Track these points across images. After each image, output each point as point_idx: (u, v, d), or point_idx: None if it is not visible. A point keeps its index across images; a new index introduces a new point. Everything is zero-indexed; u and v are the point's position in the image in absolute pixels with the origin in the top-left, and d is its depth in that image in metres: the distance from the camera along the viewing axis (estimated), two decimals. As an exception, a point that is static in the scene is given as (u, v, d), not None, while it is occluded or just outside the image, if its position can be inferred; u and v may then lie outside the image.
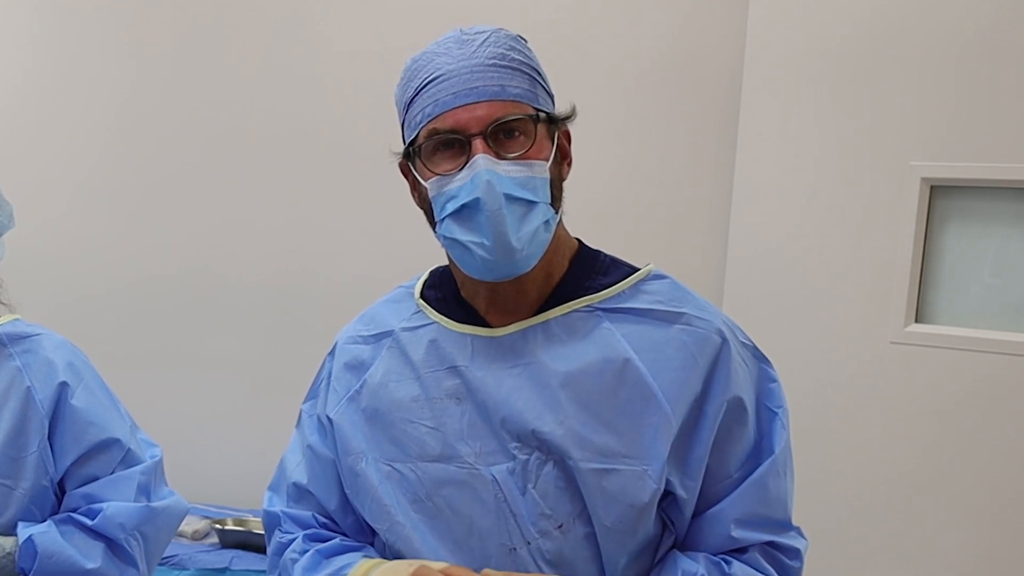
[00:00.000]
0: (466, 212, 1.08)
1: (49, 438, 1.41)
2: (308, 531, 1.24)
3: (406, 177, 1.20)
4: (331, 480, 1.24)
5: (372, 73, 2.83)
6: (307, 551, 1.21)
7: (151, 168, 3.18)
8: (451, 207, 1.09)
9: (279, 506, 1.28)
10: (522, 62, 1.13)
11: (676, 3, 2.66)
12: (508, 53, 1.11)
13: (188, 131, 3.14)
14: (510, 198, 1.07)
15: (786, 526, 1.17)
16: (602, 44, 2.72)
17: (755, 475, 1.14)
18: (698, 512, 1.15)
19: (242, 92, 3.08)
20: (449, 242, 1.12)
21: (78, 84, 3.23)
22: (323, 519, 1.25)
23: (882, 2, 2.27)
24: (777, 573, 1.15)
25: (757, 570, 1.13)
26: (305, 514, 1.25)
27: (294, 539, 1.23)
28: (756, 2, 2.40)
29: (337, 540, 1.22)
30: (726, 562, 1.13)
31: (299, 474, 1.27)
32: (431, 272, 1.29)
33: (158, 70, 3.16)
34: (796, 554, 1.17)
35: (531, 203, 1.09)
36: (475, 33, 1.13)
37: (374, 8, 2.94)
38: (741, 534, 1.13)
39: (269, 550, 1.28)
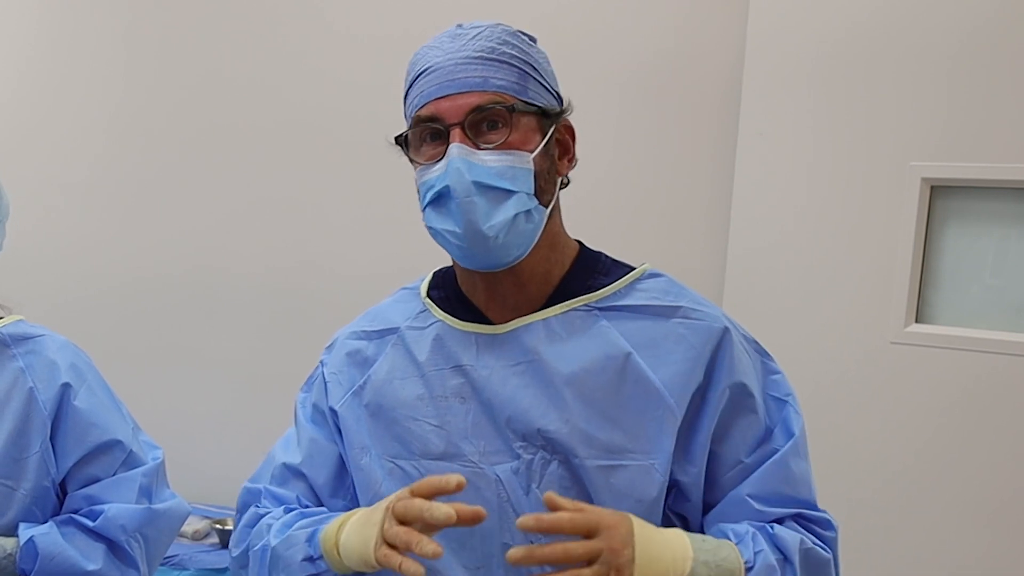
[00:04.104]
0: (441, 200, 1.11)
1: (51, 439, 1.41)
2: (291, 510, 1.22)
3: None
4: (326, 462, 1.23)
5: (373, 65, 2.84)
6: (291, 511, 1.20)
7: (148, 165, 3.18)
8: (430, 196, 1.12)
9: (262, 484, 1.26)
10: (513, 55, 1.13)
11: (676, 2, 2.66)
12: (499, 47, 1.13)
13: (185, 126, 3.14)
14: (481, 186, 1.08)
15: (813, 506, 1.17)
16: (603, 42, 2.72)
17: (777, 456, 1.14)
18: (714, 501, 1.15)
19: (239, 86, 3.07)
20: (431, 231, 1.14)
21: (74, 80, 3.23)
22: (307, 503, 1.23)
23: (882, 2, 2.27)
24: (816, 537, 1.15)
25: (796, 532, 1.13)
26: (288, 495, 1.24)
27: (271, 511, 1.22)
28: (756, 2, 2.41)
29: (324, 510, 1.21)
30: (769, 526, 1.13)
31: (291, 456, 1.26)
32: (434, 273, 1.30)
33: (153, 65, 3.16)
34: (828, 525, 1.17)
35: (508, 192, 1.10)
36: (470, 28, 1.15)
37: None
38: (766, 509, 1.13)
39: (239, 523, 1.25)
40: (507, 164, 1.10)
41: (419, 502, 1.00)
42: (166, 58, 3.15)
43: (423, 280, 1.29)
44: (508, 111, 1.11)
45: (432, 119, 1.11)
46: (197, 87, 3.12)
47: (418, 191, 1.15)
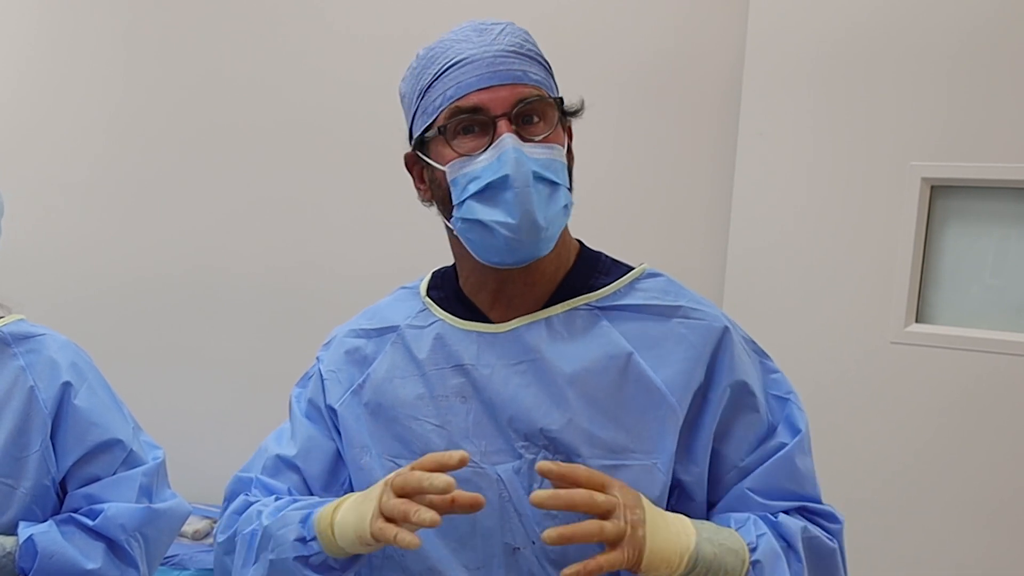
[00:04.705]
0: (491, 192, 1.09)
1: (51, 438, 1.41)
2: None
3: (411, 171, 1.21)
4: (322, 456, 1.23)
5: (373, 65, 2.84)
6: (280, 499, 1.20)
7: (148, 165, 3.18)
8: (474, 187, 1.09)
9: (253, 473, 1.25)
10: (537, 53, 1.16)
11: (676, 2, 2.66)
12: (525, 44, 1.14)
13: (185, 126, 3.14)
14: (537, 177, 1.08)
15: (817, 501, 1.17)
16: (603, 42, 2.72)
17: (783, 452, 1.14)
18: (718, 499, 1.16)
19: (239, 86, 3.07)
20: (469, 224, 1.11)
21: (74, 80, 3.23)
22: (297, 496, 1.22)
23: (882, 2, 2.27)
24: (821, 529, 1.15)
25: (798, 520, 1.14)
26: (280, 486, 1.23)
27: (260, 500, 1.21)
28: (756, 2, 2.41)
29: (318, 498, 1.20)
30: (773, 515, 1.13)
31: (285, 448, 1.25)
32: (433, 274, 1.30)
33: (153, 65, 3.15)
34: (832, 517, 1.17)
35: (555, 184, 1.10)
36: (491, 24, 1.15)
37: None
38: (769, 503, 1.13)
39: (227, 510, 1.23)
40: (551, 157, 1.10)
41: (419, 472, 0.99)
42: (166, 58, 3.15)
43: (422, 280, 1.29)
44: (555, 105, 1.13)
45: (475, 110, 1.10)
46: (197, 87, 3.12)
47: (446, 186, 1.13)
